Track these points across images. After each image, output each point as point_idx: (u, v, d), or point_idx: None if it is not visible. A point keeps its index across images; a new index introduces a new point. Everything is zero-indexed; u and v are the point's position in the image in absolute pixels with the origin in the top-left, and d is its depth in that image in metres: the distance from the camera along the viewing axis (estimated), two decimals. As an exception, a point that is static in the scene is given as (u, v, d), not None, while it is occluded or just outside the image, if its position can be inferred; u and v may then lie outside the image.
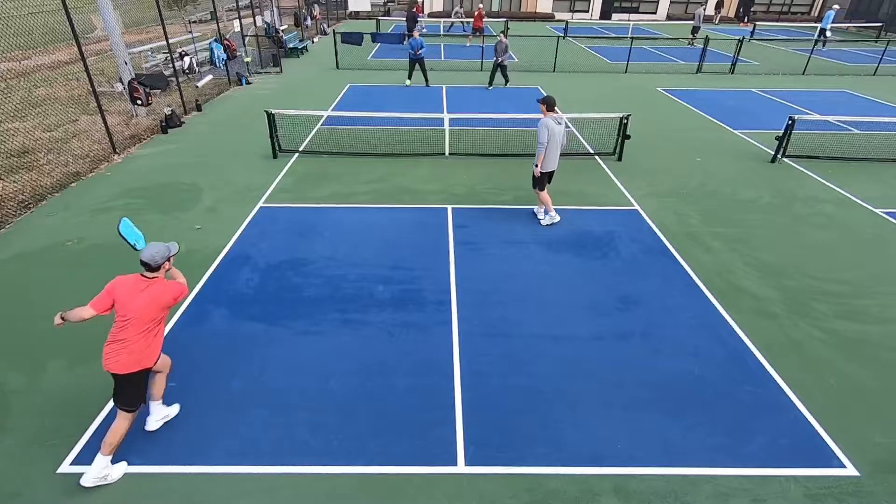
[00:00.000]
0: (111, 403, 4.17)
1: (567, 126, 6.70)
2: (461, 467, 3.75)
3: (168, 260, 3.53)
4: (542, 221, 7.15)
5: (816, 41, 21.86)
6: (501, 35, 14.54)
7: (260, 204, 7.67)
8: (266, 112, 9.28)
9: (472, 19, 23.67)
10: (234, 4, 16.70)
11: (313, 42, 22.52)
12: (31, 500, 3.49)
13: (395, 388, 4.43)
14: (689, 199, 8.08)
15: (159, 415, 3.96)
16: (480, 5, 24.25)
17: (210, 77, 14.23)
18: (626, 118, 9.30)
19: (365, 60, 18.66)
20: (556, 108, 6.65)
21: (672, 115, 12.75)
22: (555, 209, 7.11)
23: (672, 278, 6.04)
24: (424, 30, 26.87)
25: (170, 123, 10.81)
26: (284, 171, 8.89)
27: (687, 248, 6.68)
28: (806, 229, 7.23)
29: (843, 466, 3.81)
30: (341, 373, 4.57)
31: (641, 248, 6.66)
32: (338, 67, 17.25)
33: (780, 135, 9.55)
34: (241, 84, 14.81)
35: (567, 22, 28.65)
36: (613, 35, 26.89)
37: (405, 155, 9.65)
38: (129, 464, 3.71)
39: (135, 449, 3.82)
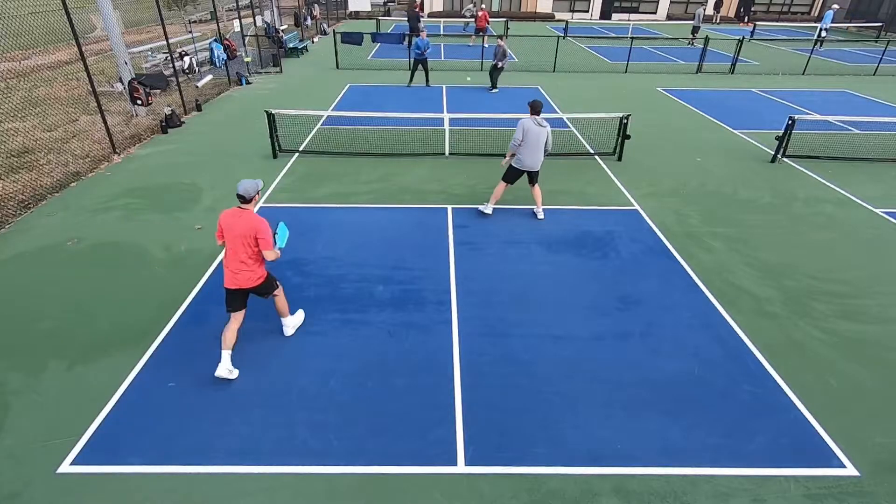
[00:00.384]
0: (111, 404, 4.18)
1: (550, 130, 6.84)
2: (461, 467, 3.75)
3: (257, 193, 4.44)
4: (483, 209, 7.35)
5: (816, 41, 21.86)
6: (500, 39, 14.48)
7: (260, 204, 7.67)
8: (266, 112, 9.28)
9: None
10: (234, 4, 16.70)
11: (313, 42, 22.52)
12: (31, 500, 3.49)
13: (395, 387, 4.43)
14: (689, 199, 8.08)
15: (290, 325, 4.96)
16: (483, 6, 24.24)
17: (210, 77, 14.23)
18: (626, 118, 9.30)
19: (365, 60, 18.66)
20: (540, 112, 6.80)
21: (672, 115, 12.75)
22: (554, 208, 7.12)
23: (672, 278, 6.05)
24: (425, 28, 26.92)
25: (170, 123, 10.81)
26: (284, 171, 8.89)
27: (687, 248, 6.69)
28: (806, 229, 7.23)
29: (843, 466, 3.81)
30: (341, 373, 4.57)
31: (641, 248, 6.66)
32: (338, 67, 17.25)
33: (780, 135, 9.55)
34: (241, 84, 14.81)
35: (567, 22, 28.65)
36: (613, 35, 26.89)
37: (405, 155, 9.65)
38: (128, 464, 3.71)
39: (135, 449, 3.83)
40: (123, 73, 11.10)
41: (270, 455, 3.81)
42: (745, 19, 33.63)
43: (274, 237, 4.47)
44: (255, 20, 19.30)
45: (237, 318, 4.52)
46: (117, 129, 10.21)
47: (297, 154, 9.62)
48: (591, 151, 10.02)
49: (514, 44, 21.66)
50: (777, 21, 34.38)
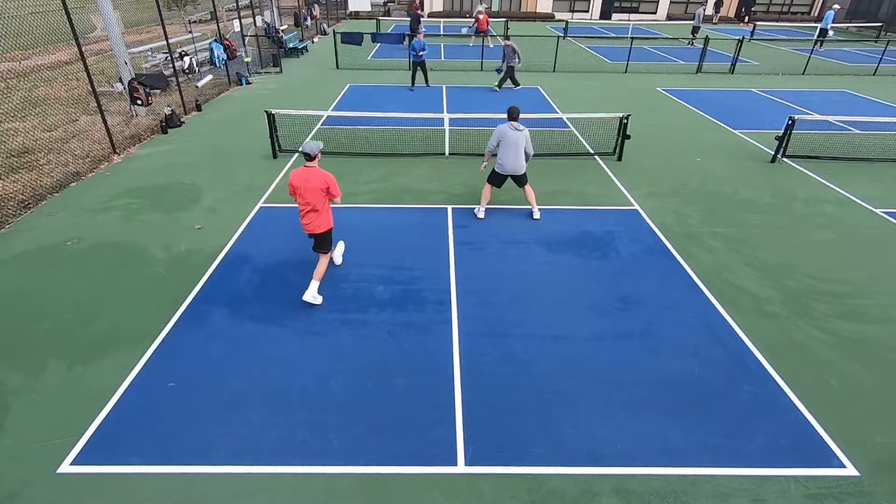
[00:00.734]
0: (111, 404, 4.19)
1: (527, 134, 6.94)
2: (461, 467, 3.75)
3: (319, 152, 5.20)
4: (476, 213, 7.38)
5: (816, 41, 21.86)
6: (506, 40, 14.38)
7: (260, 204, 7.67)
8: (266, 112, 9.29)
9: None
10: (234, 4, 16.70)
11: (313, 42, 22.52)
12: (31, 500, 3.49)
13: (395, 387, 4.43)
14: (689, 199, 8.08)
15: (311, 293, 5.46)
16: (482, 7, 24.21)
17: (210, 77, 14.23)
18: (626, 118, 9.30)
19: (365, 60, 18.66)
20: (517, 118, 6.95)
21: (672, 115, 12.75)
22: (553, 208, 7.12)
23: (672, 278, 6.05)
24: (424, 29, 26.87)
25: (170, 123, 10.81)
26: (284, 171, 8.89)
27: (687, 248, 6.69)
28: (806, 229, 7.24)
29: (843, 466, 3.81)
30: (341, 373, 4.57)
31: (641, 248, 6.66)
32: (338, 67, 17.25)
33: (780, 135, 9.55)
34: (241, 84, 14.81)
35: (567, 22, 28.65)
36: (613, 35, 26.89)
37: (405, 155, 9.65)
38: (128, 464, 3.71)
39: (135, 449, 3.83)
40: (123, 73, 11.10)
41: (270, 455, 3.81)
42: (746, 19, 33.63)
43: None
44: (255, 20, 19.30)
45: (323, 257, 5.54)
46: (117, 129, 10.21)
47: (297, 154, 9.62)
48: (591, 151, 10.02)
49: (514, 43, 21.62)
50: (777, 21, 34.38)
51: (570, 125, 11.67)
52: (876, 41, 25.10)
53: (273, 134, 9.37)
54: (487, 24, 21.78)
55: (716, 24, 33.02)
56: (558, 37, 19.32)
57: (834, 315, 5.47)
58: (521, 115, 7.10)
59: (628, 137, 9.44)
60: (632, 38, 20.35)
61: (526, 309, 5.45)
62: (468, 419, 4.13)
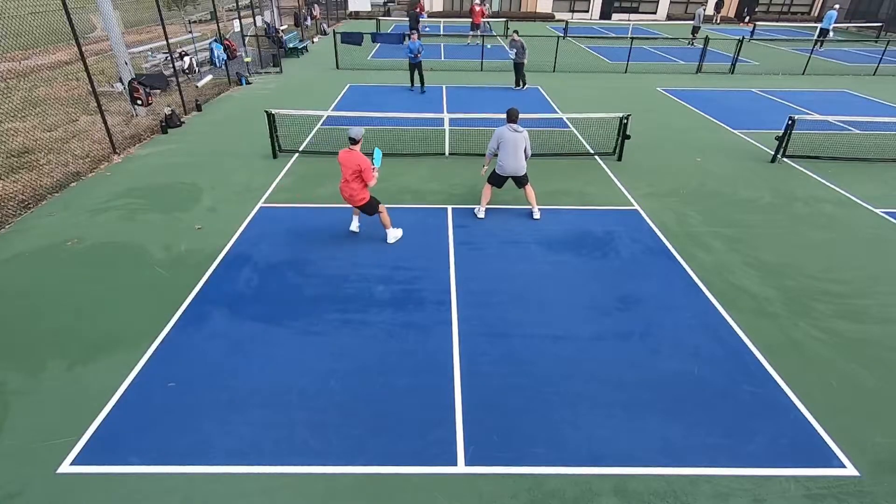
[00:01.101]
0: (111, 404, 4.19)
1: (527, 136, 6.96)
2: (461, 467, 3.75)
3: (362, 137, 6.10)
4: (476, 213, 7.38)
5: (816, 41, 21.86)
6: (514, 33, 14.34)
7: (260, 204, 7.67)
8: (266, 112, 9.29)
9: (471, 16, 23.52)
10: (234, 4, 16.70)
11: (313, 42, 22.52)
12: (31, 500, 3.49)
13: (395, 388, 4.43)
14: (689, 199, 8.08)
15: (392, 236, 6.64)
16: (476, 2, 24.14)
17: (210, 77, 14.23)
18: (626, 118, 9.30)
19: (365, 60, 18.66)
20: (515, 120, 6.96)
21: (672, 115, 12.75)
22: (554, 208, 7.13)
23: (672, 278, 6.05)
24: (427, 29, 26.84)
25: (170, 123, 10.81)
26: (284, 171, 8.89)
27: (687, 248, 6.69)
28: (806, 229, 7.23)
29: (843, 466, 3.81)
30: (341, 373, 4.57)
31: (641, 248, 6.66)
32: (338, 67, 17.26)
33: (780, 135, 9.55)
34: (241, 84, 14.81)
35: (567, 22, 28.65)
36: (613, 35, 26.89)
37: (405, 155, 9.65)
38: (128, 464, 3.72)
39: (135, 449, 3.83)
40: (123, 73, 11.10)
41: (270, 455, 3.81)
42: (747, 19, 33.62)
43: (371, 160, 6.18)
44: (255, 20, 19.30)
45: (380, 214, 6.51)
46: (117, 129, 10.21)
47: (297, 154, 9.62)
48: (591, 151, 10.02)
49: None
50: (777, 21, 34.38)
51: (570, 125, 11.67)
52: (876, 41, 25.11)
53: (273, 134, 9.37)
54: (482, 18, 21.70)
55: (717, 24, 33.02)
56: (558, 37, 19.33)
57: (834, 315, 5.47)
58: (522, 115, 7.10)
59: (628, 137, 9.44)
60: (632, 38, 20.36)
61: (526, 309, 5.45)
62: (468, 419, 4.13)
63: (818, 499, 3.58)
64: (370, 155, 6.30)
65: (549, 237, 6.87)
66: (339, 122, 11.48)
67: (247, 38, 17.15)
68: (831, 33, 22.94)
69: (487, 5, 26.63)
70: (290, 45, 18.96)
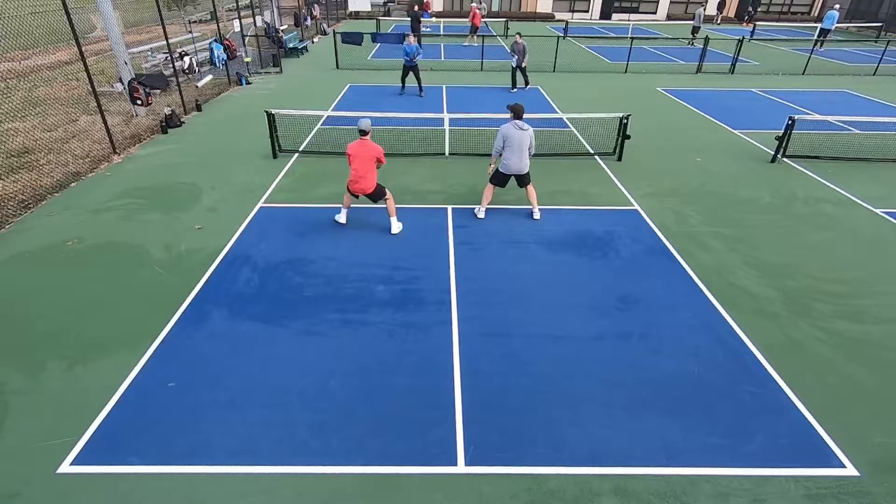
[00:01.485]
0: (111, 404, 4.19)
1: (532, 133, 6.92)
2: (461, 467, 3.75)
3: (370, 127, 6.55)
4: (476, 213, 7.38)
5: (817, 41, 21.86)
6: (517, 36, 14.30)
7: (260, 204, 7.68)
8: (266, 112, 9.29)
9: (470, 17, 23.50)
10: (234, 4, 16.70)
11: (313, 42, 22.53)
12: (31, 500, 3.49)
13: (395, 388, 4.43)
14: (689, 199, 8.08)
15: (395, 226, 6.87)
16: (473, 4, 24.16)
17: (210, 77, 14.23)
18: (626, 118, 9.30)
19: (365, 60, 18.66)
20: (521, 116, 6.92)
21: (672, 115, 12.75)
22: (554, 208, 7.13)
23: (672, 278, 6.05)
24: (428, 29, 26.82)
25: (170, 123, 10.81)
26: (284, 171, 8.89)
27: (687, 248, 6.69)
28: (806, 229, 7.24)
29: (843, 466, 3.81)
30: (341, 373, 4.57)
31: (641, 248, 6.66)
32: (338, 67, 17.26)
33: (780, 135, 9.55)
34: (241, 84, 14.82)
35: (567, 22, 28.66)
36: (613, 35, 26.89)
37: (405, 155, 9.65)
38: (128, 464, 3.71)
39: (135, 449, 3.83)
40: (123, 73, 11.10)
41: (270, 455, 3.81)
42: (747, 19, 33.62)
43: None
44: (255, 20, 19.30)
45: (387, 200, 6.82)
46: (117, 129, 10.21)
47: (297, 154, 9.62)
48: (591, 151, 10.02)
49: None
50: (777, 21, 34.39)
51: (570, 125, 11.67)
52: (876, 41, 25.10)
53: (273, 134, 9.37)
54: (480, 20, 21.69)
55: (718, 24, 33.02)
56: (558, 37, 19.33)
57: (834, 315, 5.47)
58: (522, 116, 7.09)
59: (628, 137, 9.44)
60: (632, 38, 20.35)
61: (526, 309, 5.45)
62: (468, 419, 4.13)
63: (818, 499, 3.58)
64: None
65: (550, 237, 6.87)
66: (339, 122, 11.48)
67: (247, 38, 17.15)
68: (831, 35, 22.92)
69: (482, 5, 26.46)
70: (290, 45, 18.96)
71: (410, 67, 13.56)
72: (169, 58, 12.91)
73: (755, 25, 28.40)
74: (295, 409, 4.19)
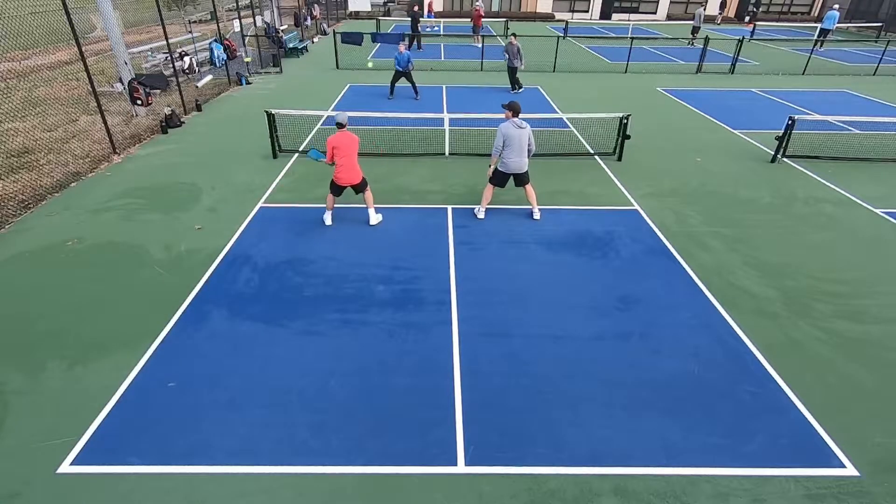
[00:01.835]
0: (111, 404, 4.19)
1: (531, 131, 6.92)
2: (461, 467, 3.75)
3: (345, 124, 6.69)
4: (476, 213, 7.39)
5: (817, 41, 21.86)
6: (512, 37, 14.26)
7: (260, 204, 7.68)
8: (266, 112, 9.29)
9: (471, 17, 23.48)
10: (234, 4, 16.70)
11: (313, 42, 22.52)
12: (31, 500, 3.49)
13: (395, 388, 4.43)
14: (689, 199, 8.08)
15: (374, 218, 7.04)
16: (478, 3, 24.15)
17: (210, 77, 14.23)
18: (626, 118, 9.30)
19: (365, 60, 18.65)
20: (519, 113, 6.94)
21: (672, 115, 12.75)
22: (554, 208, 7.13)
23: (672, 278, 6.05)
24: (429, 29, 26.81)
25: (170, 123, 10.81)
26: (284, 171, 8.89)
27: (687, 248, 6.69)
28: (806, 229, 7.23)
29: (843, 466, 3.81)
30: (341, 373, 4.57)
31: (641, 248, 6.66)
32: (338, 67, 17.26)
33: (780, 135, 9.55)
34: (241, 84, 14.82)
35: (567, 22, 28.66)
36: (613, 35, 26.90)
37: (405, 155, 9.65)
38: (128, 464, 3.72)
39: (135, 449, 3.83)
40: (123, 73, 11.10)
41: (270, 455, 3.81)
42: (747, 19, 33.60)
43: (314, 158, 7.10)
44: (255, 20, 19.30)
45: (366, 192, 6.98)
46: (117, 129, 10.21)
47: (297, 154, 9.62)
48: (591, 151, 10.02)
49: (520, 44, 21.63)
50: (777, 21, 34.39)
51: (570, 125, 11.67)
52: (876, 41, 25.10)
53: (273, 134, 9.37)
54: (481, 21, 21.70)
55: (719, 24, 33.01)
56: (558, 37, 19.33)
57: (834, 315, 5.47)
58: (521, 116, 7.09)
59: (628, 137, 9.44)
60: (632, 38, 20.34)
61: (526, 309, 5.45)
62: (468, 419, 4.13)
63: (818, 499, 3.58)
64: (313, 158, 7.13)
65: (549, 237, 6.87)
66: (339, 122, 11.45)
67: (247, 38, 17.15)
68: (832, 34, 22.95)
69: (480, 3, 26.27)
70: (290, 45, 18.96)
71: (402, 73, 13.38)
72: (169, 58, 12.91)
73: (755, 25, 28.40)
74: (295, 409, 4.19)
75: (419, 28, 21.05)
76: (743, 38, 18.77)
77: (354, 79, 15.87)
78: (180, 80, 12.24)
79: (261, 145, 9.73)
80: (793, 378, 4.60)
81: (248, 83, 14.96)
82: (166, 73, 13.56)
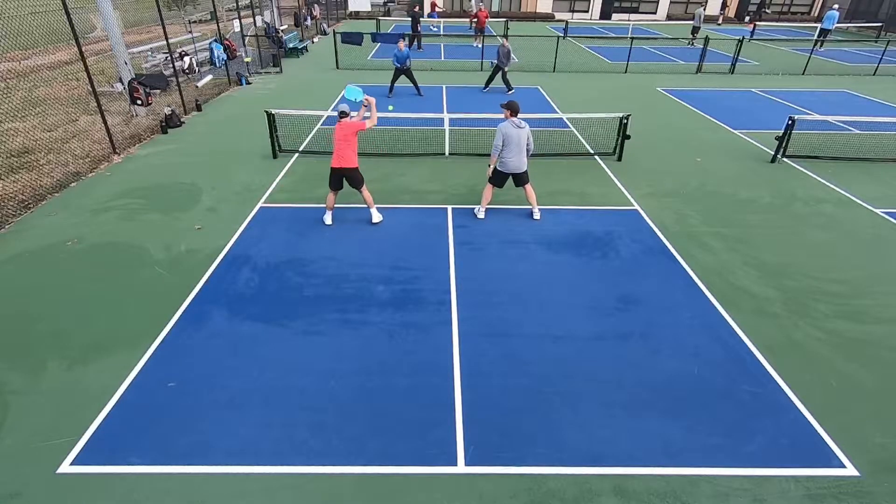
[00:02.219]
0: (111, 404, 4.19)
1: (529, 131, 6.92)
2: (461, 467, 3.75)
3: (348, 113, 6.92)
4: (476, 213, 7.40)
5: (816, 41, 21.86)
6: (504, 39, 14.26)
7: (260, 204, 7.68)
8: (266, 112, 9.29)
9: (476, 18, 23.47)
10: (234, 4, 16.70)
11: (313, 42, 22.53)
12: (31, 500, 3.49)
13: (395, 388, 4.43)
14: (689, 199, 8.08)
15: (376, 216, 7.10)
16: (481, 4, 24.16)
17: (210, 77, 14.23)
18: (626, 118, 9.30)
19: (365, 60, 18.66)
20: (518, 113, 6.95)
21: (672, 115, 12.75)
22: (554, 208, 7.13)
23: (672, 278, 6.04)
24: (434, 29, 26.79)
25: (170, 123, 10.81)
26: (284, 171, 8.89)
27: (687, 248, 6.69)
28: (806, 229, 7.23)
29: (843, 466, 3.81)
30: (341, 373, 4.57)
31: (641, 248, 6.66)
32: (338, 67, 17.26)
33: (780, 135, 9.55)
34: (241, 84, 14.82)
35: (567, 22, 28.66)
36: (613, 35, 26.90)
37: (405, 155, 9.65)
38: (128, 464, 3.72)
39: (135, 449, 3.83)
40: (123, 73, 11.10)
41: (270, 455, 3.81)
42: (748, 19, 33.59)
43: (349, 103, 7.31)
44: (255, 20, 19.30)
45: (363, 191, 7.01)
46: (117, 129, 10.21)
47: (297, 154, 9.63)
48: (591, 151, 10.02)
49: (514, 44, 21.60)
50: (777, 21, 34.38)
51: (570, 125, 11.67)
52: (876, 41, 25.10)
53: (273, 134, 9.37)
54: (485, 22, 21.72)
55: (720, 24, 33.00)
56: (558, 37, 19.33)
57: (834, 315, 5.47)
58: (521, 115, 7.10)
59: (628, 137, 9.44)
60: (632, 38, 20.36)
61: (526, 309, 5.45)
62: (468, 419, 4.13)
63: (818, 499, 3.58)
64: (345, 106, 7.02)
65: (549, 237, 6.87)
66: (339, 122, 11.45)
67: (247, 38, 17.16)
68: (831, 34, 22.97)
69: (482, 4, 26.25)
70: (290, 45, 18.97)
71: (402, 70, 13.43)
72: (169, 58, 12.91)
73: (755, 25, 28.40)
74: (295, 409, 4.19)
75: (419, 28, 21.05)
76: (743, 38, 18.77)
77: (354, 79, 15.85)
78: (180, 80, 12.24)
79: (261, 145, 9.73)
80: (793, 378, 4.60)
81: (248, 83, 14.97)
82: (166, 73, 13.55)
